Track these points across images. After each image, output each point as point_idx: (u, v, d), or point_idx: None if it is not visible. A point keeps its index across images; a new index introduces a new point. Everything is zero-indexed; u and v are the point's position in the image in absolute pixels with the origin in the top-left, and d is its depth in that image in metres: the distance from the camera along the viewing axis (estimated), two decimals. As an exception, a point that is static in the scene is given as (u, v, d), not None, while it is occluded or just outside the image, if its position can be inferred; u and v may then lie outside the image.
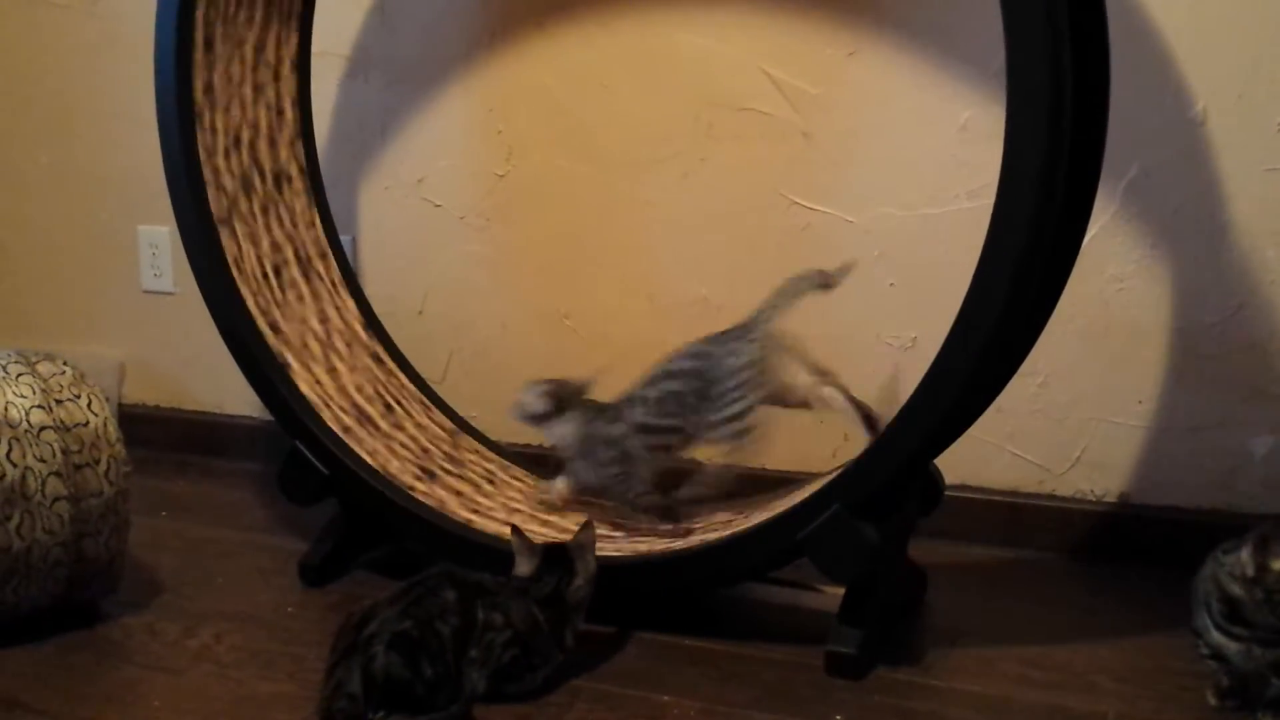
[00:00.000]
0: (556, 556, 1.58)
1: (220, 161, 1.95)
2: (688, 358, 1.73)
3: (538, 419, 1.84)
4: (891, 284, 2.00)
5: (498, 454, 2.03)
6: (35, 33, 2.57)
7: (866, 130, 1.98)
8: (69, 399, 1.68)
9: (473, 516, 1.85)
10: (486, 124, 2.22)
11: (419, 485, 1.89)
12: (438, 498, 1.87)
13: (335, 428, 1.90)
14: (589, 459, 1.80)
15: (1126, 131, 1.79)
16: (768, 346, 1.67)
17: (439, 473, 1.94)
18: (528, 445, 2.20)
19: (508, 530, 1.81)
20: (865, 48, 1.95)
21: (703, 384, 1.70)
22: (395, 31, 2.25)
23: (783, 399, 1.70)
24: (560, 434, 1.83)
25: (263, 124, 2.02)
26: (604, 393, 1.85)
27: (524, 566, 1.58)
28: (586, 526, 1.61)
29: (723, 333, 1.72)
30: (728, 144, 2.06)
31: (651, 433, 1.75)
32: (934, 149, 1.94)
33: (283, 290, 1.99)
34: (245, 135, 1.99)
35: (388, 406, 2.00)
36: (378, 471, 1.87)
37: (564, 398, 1.83)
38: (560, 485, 1.86)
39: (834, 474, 1.63)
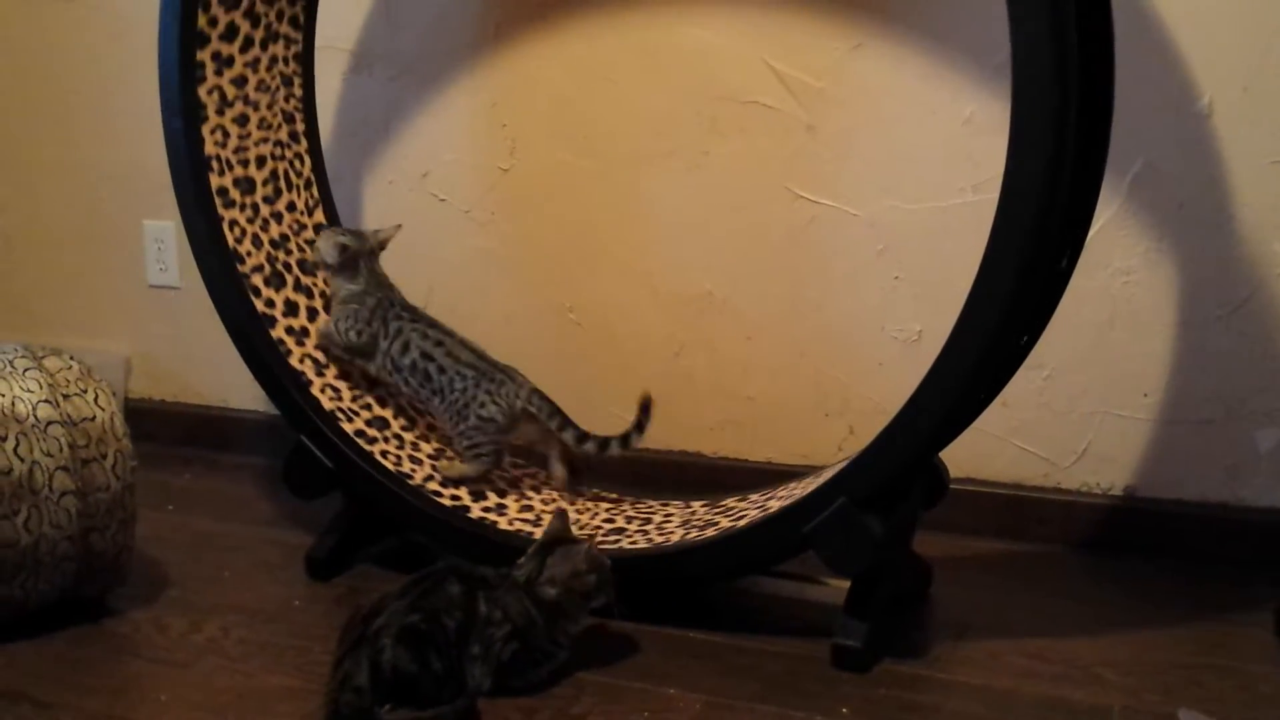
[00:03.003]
0: (549, 548, 1.58)
1: (224, 156, 1.95)
2: (456, 368, 1.86)
3: (330, 269, 1.93)
4: (896, 277, 2.00)
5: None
6: (40, 28, 2.57)
7: (871, 124, 1.98)
8: (76, 394, 1.69)
9: (479, 512, 1.85)
10: (491, 118, 2.22)
11: (379, 444, 1.91)
12: (367, 435, 1.90)
13: (341, 422, 1.90)
14: (345, 317, 1.91)
15: (1132, 125, 1.79)
16: (509, 415, 1.85)
17: (372, 404, 1.95)
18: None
19: (512, 525, 1.82)
20: (869, 41, 1.95)
21: (450, 395, 1.86)
22: (399, 25, 2.25)
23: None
24: (339, 284, 1.93)
25: (266, 118, 2.02)
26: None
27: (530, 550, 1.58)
28: (591, 545, 1.60)
29: (485, 369, 1.87)
30: (732, 138, 2.06)
31: (395, 373, 1.90)
32: (939, 143, 1.94)
33: (252, 189, 1.98)
34: (249, 130, 1.99)
35: (394, 401, 2.01)
36: (383, 465, 1.87)
37: (356, 251, 1.92)
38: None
39: (839, 467, 1.64)
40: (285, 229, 2.00)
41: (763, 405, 2.12)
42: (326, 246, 1.91)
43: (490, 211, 2.26)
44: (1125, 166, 1.85)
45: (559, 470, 1.90)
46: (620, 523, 1.83)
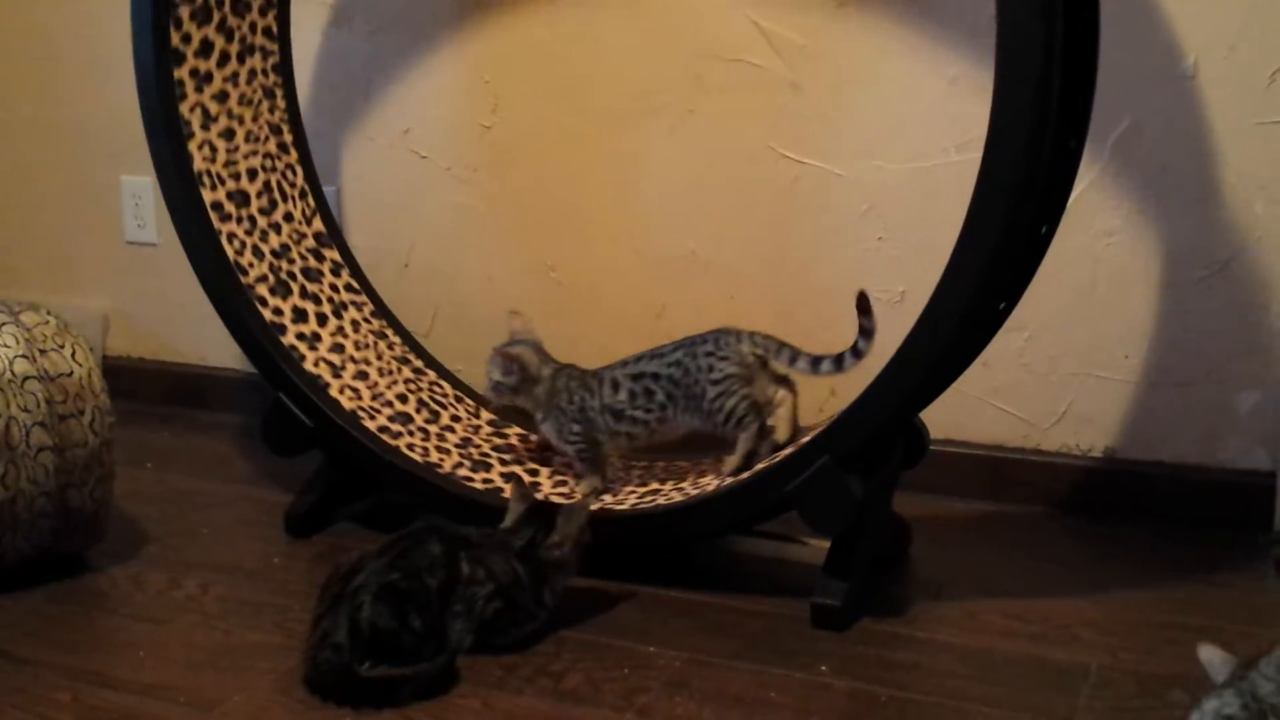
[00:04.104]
0: (541, 513, 1.58)
1: (199, 112, 1.93)
2: (666, 364, 1.76)
3: (511, 392, 1.84)
4: (880, 238, 1.99)
5: (484, 407, 2.03)
6: (15, -21, 2.54)
7: (856, 83, 1.96)
8: (53, 349, 1.67)
9: (456, 469, 1.85)
10: (473, 74, 2.20)
11: (405, 438, 1.88)
12: (421, 450, 1.87)
13: (319, 379, 1.89)
14: (556, 419, 1.82)
15: (1116, 86, 1.78)
16: (744, 365, 1.72)
17: (428, 428, 1.93)
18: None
19: (483, 482, 1.82)
20: (855, -1, 1.94)
21: (679, 391, 1.74)
22: (380, -20, 2.23)
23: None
24: (534, 397, 1.83)
25: (243, 73, 2.00)
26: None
27: (510, 517, 1.59)
28: (587, 496, 1.60)
29: (692, 343, 1.75)
30: (716, 96, 2.05)
31: (621, 419, 1.78)
32: (923, 102, 1.93)
33: (247, 203, 1.97)
34: (225, 84, 1.97)
35: (346, 330, 2.00)
36: (361, 423, 1.87)
37: (535, 364, 1.83)
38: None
39: (821, 428, 1.64)
40: (285, 239, 1.99)
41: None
42: (498, 373, 1.83)
43: (472, 169, 2.24)
44: (1109, 128, 1.84)
45: (785, 422, 1.73)
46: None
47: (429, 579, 1.46)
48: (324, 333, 1.95)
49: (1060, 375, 1.95)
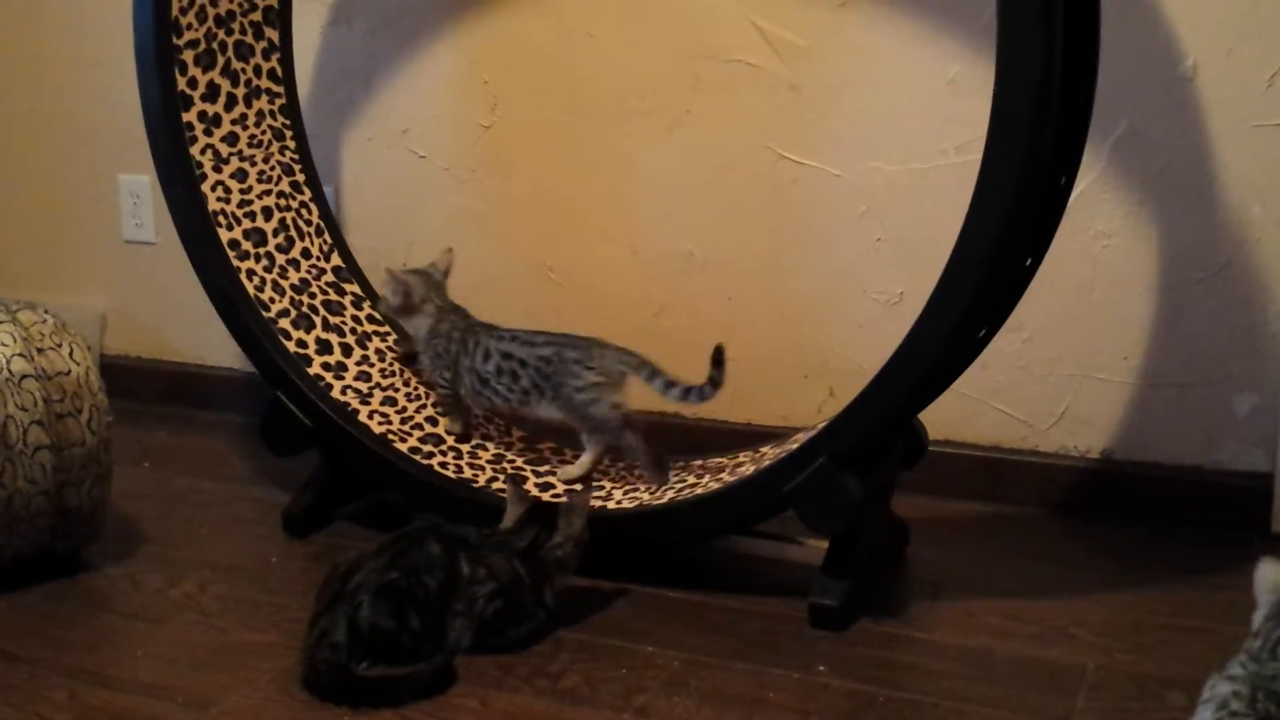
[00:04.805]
0: (541, 512, 1.58)
1: (199, 111, 1.93)
2: (535, 355, 1.79)
3: (395, 311, 1.89)
4: (878, 239, 1.99)
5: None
6: (13, -23, 2.53)
7: (855, 84, 1.96)
8: (50, 348, 1.67)
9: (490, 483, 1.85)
10: (471, 74, 2.20)
11: (436, 457, 1.89)
12: (455, 468, 1.87)
13: (346, 406, 1.89)
14: (432, 358, 1.87)
15: (1115, 88, 1.78)
16: (607, 374, 1.77)
17: (460, 447, 1.93)
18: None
19: (484, 481, 1.81)
20: (854, 0, 1.94)
21: (547, 385, 1.78)
22: (379, -21, 2.23)
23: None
24: (415, 326, 1.88)
25: (251, 115, 2.00)
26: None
27: (509, 518, 1.59)
28: (584, 490, 1.61)
29: (562, 344, 1.79)
30: (715, 96, 2.05)
31: (485, 386, 1.82)
32: (922, 103, 1.93)
33: (264, 241, 1.97)
34: (225, 84, 1.97)
35: (371, 359, 2.00)
36: (360, 422, 1.86)
37: (420, 294, 1.87)
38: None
39: (820, 428, 1.64)
40: (304, 274, 2.00)
41: (743, 366, 2.11)
42: (387, 291, 1.86)
43: (471, 169, 2.24)
44: (1108, 129, 1.84)
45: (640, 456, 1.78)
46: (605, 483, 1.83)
47: (428, 578, 1.46)
48: (349, 363, 1.96)
49: (1058, 376, 1.95)
